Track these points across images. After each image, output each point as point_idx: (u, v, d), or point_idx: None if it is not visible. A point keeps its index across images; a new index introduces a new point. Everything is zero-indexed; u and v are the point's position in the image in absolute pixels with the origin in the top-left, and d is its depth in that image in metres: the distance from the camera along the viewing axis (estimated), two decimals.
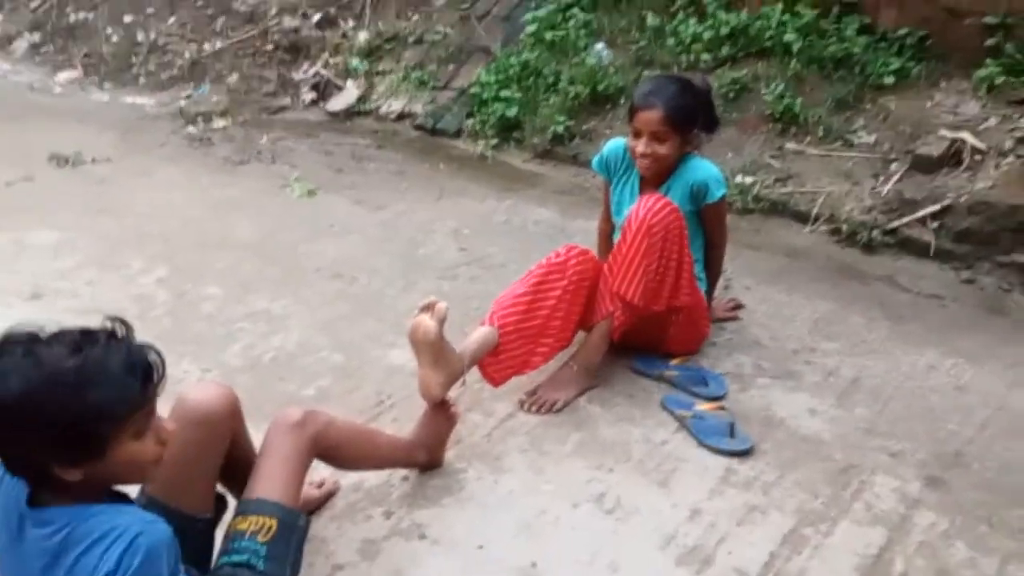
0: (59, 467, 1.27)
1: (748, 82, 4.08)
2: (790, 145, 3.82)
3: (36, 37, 6.18)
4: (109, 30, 6.05)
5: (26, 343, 1.26)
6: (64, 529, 1.28)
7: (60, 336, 1.28)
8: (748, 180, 3.68)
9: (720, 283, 2.88)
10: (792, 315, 2.91)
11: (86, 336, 1.29)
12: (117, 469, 1.32)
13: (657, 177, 2.62)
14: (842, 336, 2.80)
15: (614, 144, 2.73)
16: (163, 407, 1.40)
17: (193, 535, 1.61)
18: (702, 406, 2.42)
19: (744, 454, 2.26)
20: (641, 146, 2.50)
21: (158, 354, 1.34)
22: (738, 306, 2.94)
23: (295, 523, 1.68)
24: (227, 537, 1.65)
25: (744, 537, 2.01)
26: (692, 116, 2.53)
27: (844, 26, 4.10)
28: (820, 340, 2.77)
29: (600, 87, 4.31)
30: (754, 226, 3.52)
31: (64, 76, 5.77)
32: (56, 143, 4.31)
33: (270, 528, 1.63)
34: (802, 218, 3.52)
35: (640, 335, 2.57)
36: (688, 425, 2.36)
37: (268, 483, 1.68)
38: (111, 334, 1.30)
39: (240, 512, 1.66)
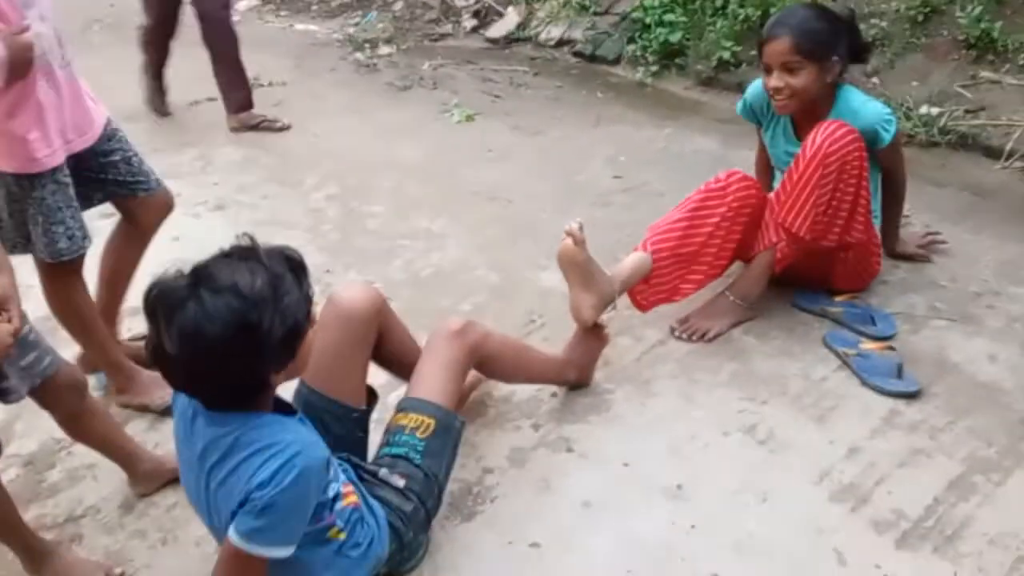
0: (274, 374, 1.38)
1: (940, 3, 3.72)
2: (985, 73, 3.48)
3: None
4: None
5: (206, 282, 1.31)
6: (234, 433, 1.39)
7: (224, 265, 1.34)
8: (935, 111, 3.39)
9: None
10: (976, 256, 2.69)
11: (242, 256, 1.36)
12: (302, 360, 1.44)
13: (808, 114, 2.38)
14: None
15: (756, 86, 2.52)
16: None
17: (349, 424, 1.73)
18: (868, 345, 2.30)
19: (912, 396, 2.14)
20: (773, 80, 2.30)
21: (294, 250, 1.43)
22: (935, 240, 2.69)
23: (452, 424, 1.76)
24: (388, 431, 1.75)
25: (906, 479, 1.92)
26: (827, 41, 2.29)
27: None
28: (1006, 284, 2.55)
29: (773, 9, 4.06)
30: (939, 160, 3.25)
31: (244, 4, 6.07)
32: None
33: (429, 426, 1.72)
34: (994, 153, 3.21)
35: (804, 269, 2.45)
36: (851, 363, 2.25)
37: (428, 385, 1.76)
38: (254, 247, 1.38)
39: (401, 409, 1.76)
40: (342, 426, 1.71)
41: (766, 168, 2.70)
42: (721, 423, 2.10)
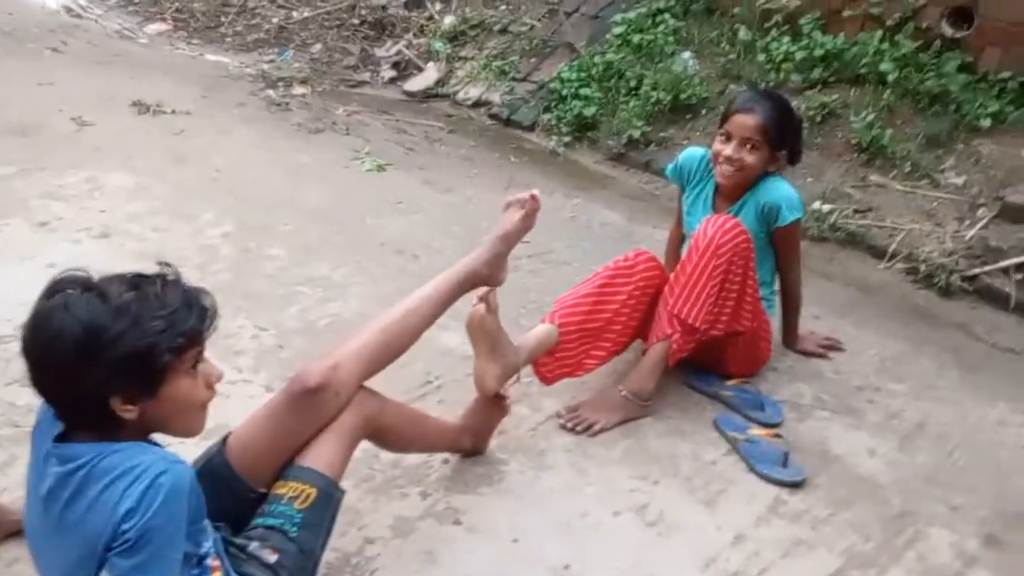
0: (120, 402, 1.27)
1: (837, 108, 3.97)
2: (874, 177, 3.70)
3: None
4: None
5: (84, 282, 1.29)
6: (86, 465, 1.27)
7: (116, 277, 1.31)
8: (826, 208, 3.57)
9: None
10: (859, 351, 2.81)
11: (142, 277, 1.32)
12: (169, 409, 1.33)
13: (734, 191, 2.53)
14: (910, 378, 2.69)
15: (691, 152, 2.66)
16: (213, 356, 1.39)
17: (242, 502, 1.61)
18: (756, 431, 2.34)
19: (796, 485, 2.18)
20: (729, 150, 2.43)
21: (210, 296, 1.37)
22: (834, 346, 2.79)
23: (333, 494, 1.65)
24: (266, 499, 1.63)
25: (788, 570, 1.93)
26: (785, 136, 2.45)
27: (944, 62, 3.97)
28: (886, 380, 2.67)
29: (683, 96, 4.24)
30: (827, 255, 3.41)
31: (153, 28, 5.89)
32: (140, 91, 4.38)
33: (308, 496, 1.60)
34: (878, 253, 3.40)
35: (697, 354, 2.48)
36: (740, 448, 2.28)
37: (315, 453, 1.65)
38: (164, 276, 1.34)
39: (283, 477, 1.64)
40: (234, 501, 1.59)
41: (678, 243, 2.76)
42: (613, 501, 2.08)
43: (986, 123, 3.75)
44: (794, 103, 3.85)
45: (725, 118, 2.46)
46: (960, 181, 3.60)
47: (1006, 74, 3.88)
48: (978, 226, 3.35)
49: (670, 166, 2.73)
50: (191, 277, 1.40)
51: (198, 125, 4.17)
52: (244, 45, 5.71)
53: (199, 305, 1.33)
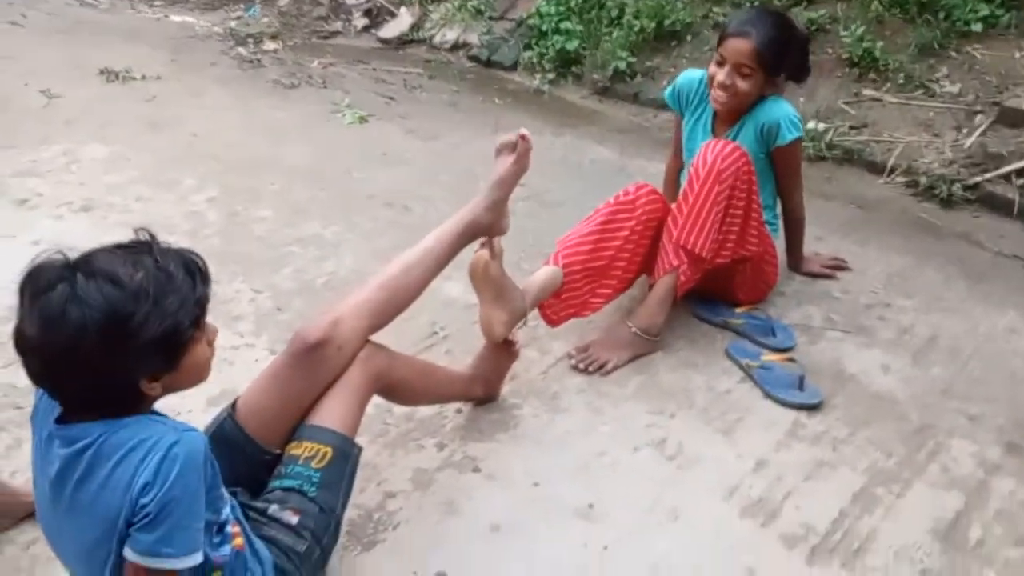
0: (147, 382, 1.24)
1: (825, 23, 3.87)
2: (867, 91, 3.63)
3: None
4: None
5: (83, 267, 1.20)
6: (94, 444, 1.23)
7: (109, 254, 1.23)
8: (821, 126, 3.50)
9: None
10: (864, 268, 2.77)
11: (133, 249, 1.25)
12: (185, 375, 1.29)
13: (731, 114, 2.46)
14: (918, 292, 2.66)
15: (689, 75, 2.57)
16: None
17: (256, 466, 1.57)
18: (769, 357, 2.31)
19: (814, 408, 2.16)
20: (722, 75, 2.34)
21: (198, 255, 1.32)
22: (840, 266, 2.75)
23: (350, 452, 1.62)
24: (281, 462, 1.59)
25: (812, 492, 1.92)
26: (782, 58, 2.35)
27: None
28: (895, 296, 2.64)
29: (667, 22, 4.13)
30: (825, 174, 3.35)
31: None
32: (106, 58, 4.23)
33: (325, 455, 1.57)
34: (877, 169, 3.35)
35: (704, 283, 2.44)
36: (754, 375, 2.25)
37: (327, 411, 1.61)
38: (151, 244, 1.27)
39: (296, 438, 1.60)
40: (248, 466, 1.55)
41: (677, 173, 2.70)
42: (630, 438, 2.05)
43: (977, 28, 3.67)
44: None
45: (720, 40, 2.37)
46: (955, 89, 3.53)
47: None
48: (976, 133, 3.29)
49: (667, 90, 2.64)
50: (182, 244, 1.34)
51: (170, 89, 4.04)
52: (209, 3, 5.51)
53: (198, 269, 1.29)
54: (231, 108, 3.89)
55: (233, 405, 1.60)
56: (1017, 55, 3.59)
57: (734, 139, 2.44)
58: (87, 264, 1.20)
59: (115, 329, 1.17)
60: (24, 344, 1.19)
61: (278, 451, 1.58)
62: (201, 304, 1.27)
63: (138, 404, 1.28)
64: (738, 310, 2.50)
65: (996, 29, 3.70)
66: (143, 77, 4.12)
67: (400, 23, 5.06)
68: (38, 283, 1.18)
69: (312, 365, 1.59)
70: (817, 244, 2.87)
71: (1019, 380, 2.30)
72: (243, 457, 1.54)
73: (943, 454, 2.04)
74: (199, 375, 1.33)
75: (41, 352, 1.19)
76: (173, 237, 2.69)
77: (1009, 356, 2.40)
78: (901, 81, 3.60)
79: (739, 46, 2.30)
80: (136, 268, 1.21)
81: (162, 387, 1.27)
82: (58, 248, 1.24)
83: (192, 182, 3.15)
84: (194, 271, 1.27)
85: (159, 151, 3.38)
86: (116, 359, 1.19)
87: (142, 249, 1.25)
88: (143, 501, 1.19)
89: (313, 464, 1.55)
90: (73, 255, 1.23)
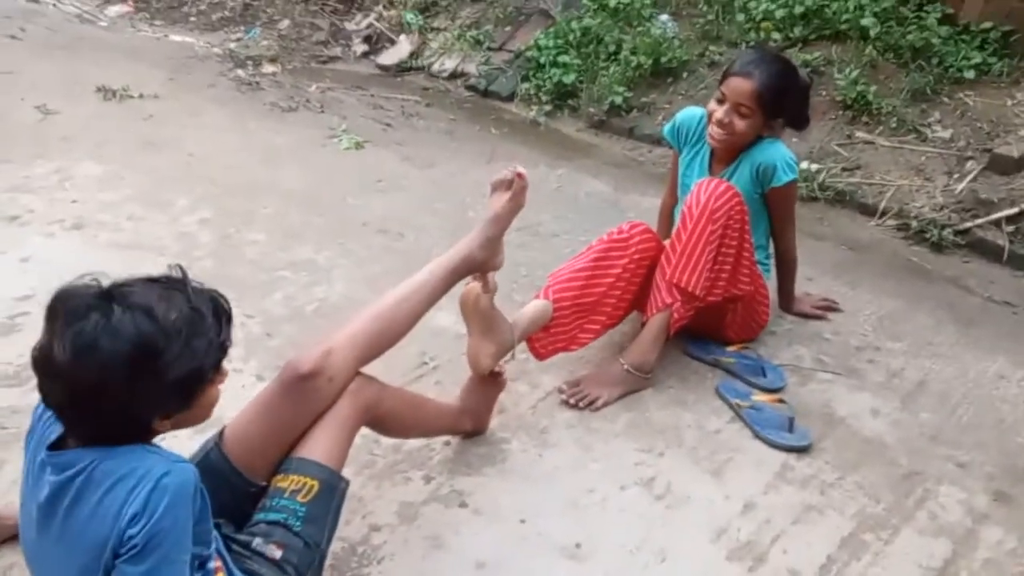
0: (160, 420, 1.25)
1: (819, 65, 3.91)
2: (860, 134, 3.66)
3: None
4: None
5: (119, 298, 1.20)
6: (84, 471, 1.22)
7: (145, 287, 1.24)
8: (814, 167, 3.53)
9: None
10: (855, 310, 2.78)
11: (166, 284, 1.27)
12: (194, 415, 1.31)
13: (727, 153, 2.48)
14: (908, 336, 2.66)
15: (689, 112, 2.59)
16: None
17: (241, 497, 1.55)
18: (760, 397, 2.31)
19: (803, 450, 2.15)
20: (721, 112, 2.36)
21: (224, 297, 1.34)
22: (831, 307, 2.75)
23: (336, 485, 1.60)
24: (266, 494, 1.57)
25: (800, 537, 1.91)
26: (782, 103, 2.37)
27: (925, 15, 3.93)
28: (885, 339, 2.64)
29: (663, 59, 4.17)
30: (817, 215, 3.37)
31: (114, 9, 5.70)
32: (104, 76, 4.23)
33: (312, 489, 1.55)
34: (868, 211, 3.37)
35: (696, 321, 2.44)
36: (744, 415, 2.25)
37: (315, 443, 1.59)
38: (186, 281, 1.29)
39: (283, 470, 1.58)
40: (233, 497, 1.53)
41: (671, 210, 2.71)
42: (619, 476, 2.04)
43: (970, 75, 3.72)
44: None
45: (723, 78, 2.39)
46: (947, 134, 3.57)
47: (987, 24, 3.84)
48: (968, 179, 3.32)
49: (667, 126, 2.66)
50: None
51: (167, 109, 4.04)
52: (209, 24, 5.55)
53: (225, 311, 1.31)
54: (228, 130, 3.90)
55: (220, 434, 1.58)
56: (1009, 103, 3.63)
57: (730, 178, 2.45)
58: (123, 296, 1.21)
59: (145, 364, 1.18)
60: (50, 367, 1.19)
61: (264, 483, 1.56)
62: (224, 348, 1.29)
63: (143, 437, 1.28)
64: (729, 349, 2.50)
65: (988, 76, 3.75)
66: (141, 96, 4.12)
67: (399, 50, 5.10)
68: (72, 308, 1.18)
69: (303, 396, 1.58)
70: (808, 285, 2.88)
71: (1007, 427, 2.30)
72: (228, 488, 1.52)
73: (931, 501, 2.03)
74: (205, 416, 1.34)
75: (68, 379, 1.18)
76: (163, 258, 2.70)
77: (998, 403, 2.40)
78: (894, 125, 3.64)
79: (741, 86, 2.32)
80: (171, 305, 1.22)
81: (171, 424, 1.28)
82: (92, 274, 1.25)
83: (186, 203, 3.14)
84: (221, 314, 1.29)
85: (154, 171, 3.38)
86: (140, 394, 1.20)
87: (175, 286, 1.27)
88: (131, 532, 1.18)
89: (299, 498, 1.53)
90: (105, 282, 1.24)
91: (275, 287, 2.68)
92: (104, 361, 1.16)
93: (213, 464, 1.54)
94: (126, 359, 1.17)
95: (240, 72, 4.72)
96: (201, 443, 1.61)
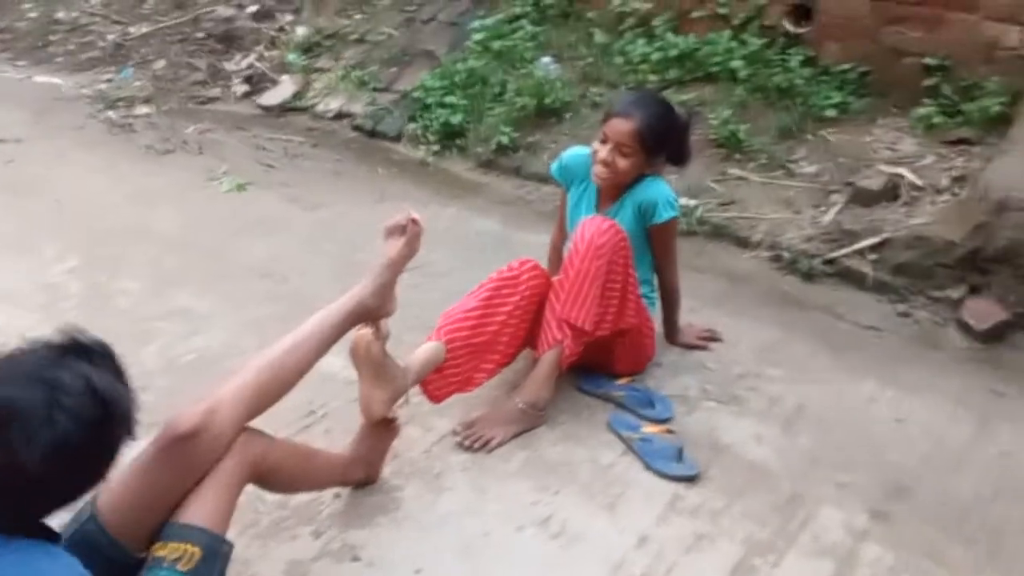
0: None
1: (694, 105, 4.07)
2: (733, 170, 3.83)
3: None
4: (27, 4, 5.70)
5: (59, 390, 1.18)
6: None
7: (64, 365, 1.21)
8: (692, 202, 3.65)
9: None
10: (736, 339, 2.88)
11: (99, 354, 1.27)
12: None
13: (612, 190, 2.55)
14: (785, 363, 2.77)
15: (575, 151, 2.65)
16: None
17: (119, 569, 1.45)
18: (649, 428, 2.35)
19: (691, 480, 2.20)
20: (604, 152, 2.43)
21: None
22: (713, 337, 2.83)
23: (219, 550, 1.51)
24: (145, 565, 1.47)
25: (693, 565, 1.94)
26: (663, 142, 2.46)
27: (789, 57, 4.15)
28: (764, 366, 2.74)
29: (547, 100, 4.25)
30: (696, 248, 3.49)
31: None
32: None
33: (192, 556, 1.46)
34: (744, 243, 3.51)
35: (586, 357, 2.48)
36: (635, 448, 2.28)
37: (196, 506, 1.51)
38: (106, 351, 1.29)
39: (162, 537, 1.48)
40: (111, 571, 1.42)
41: (560, 247, 2.74)
42: (515, 517, 2.03)
43: (831, 113, 3.95)
44: None
45: (605, 119, 2.46)
46: (813, 169, 3.77)
47: (846, 66, 4.10)
48: (833, 211, 3.51)
49: (554, 165, 2.72)
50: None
51: (31, 152, 3.83)
52: (78, 64, 5.30)
53: (118, 364, 1.30)
54: (98, 172, 3.72)
55: (94, 502, 1.47)
56: (868, 139, 3.88)
57: (615, 215, 2.51)
58: (59, 385, 1.18)
59: (100, 439, 1.20)
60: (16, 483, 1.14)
61: (143, 555, 1.47)
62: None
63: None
64: (619, 382, 2.54)
65: (848, 115, 3.99)
66: (2, 140, 3.89)
67: (282, 90, 5.00)
68: (28, 421, 1.14)
69: (183, 458, 1.49)
70: (691, 315, 2.97)
71: (880, 447, 2.42)
72: (106, 560, 1.42)
73: (813, 523, 2.11)
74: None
75: (49, 483, 1.17)
76: (24, 311, 2.53)
77: (871, 424, 2.52)
78: (764, 161, 3.83)
79: (622, 127, 2.39)
80: (111, 373, 1.24)
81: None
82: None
83: (52, 251, 2.97)
84: (127, 381, 1.29)
85: (17, 217, 3.18)
86: (94, 468, 1.21)
87: (102, 355, 1.27)
88: None
89: (179, 566, 1.45)
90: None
91: (149, 338, 2.56)
92: (77, 453, 1.17)
93: (89, 536, 1.44)
94: (84, 439, 1.18)
95: (111, 114, 4.53)
96: (76, 510, 1.50)
